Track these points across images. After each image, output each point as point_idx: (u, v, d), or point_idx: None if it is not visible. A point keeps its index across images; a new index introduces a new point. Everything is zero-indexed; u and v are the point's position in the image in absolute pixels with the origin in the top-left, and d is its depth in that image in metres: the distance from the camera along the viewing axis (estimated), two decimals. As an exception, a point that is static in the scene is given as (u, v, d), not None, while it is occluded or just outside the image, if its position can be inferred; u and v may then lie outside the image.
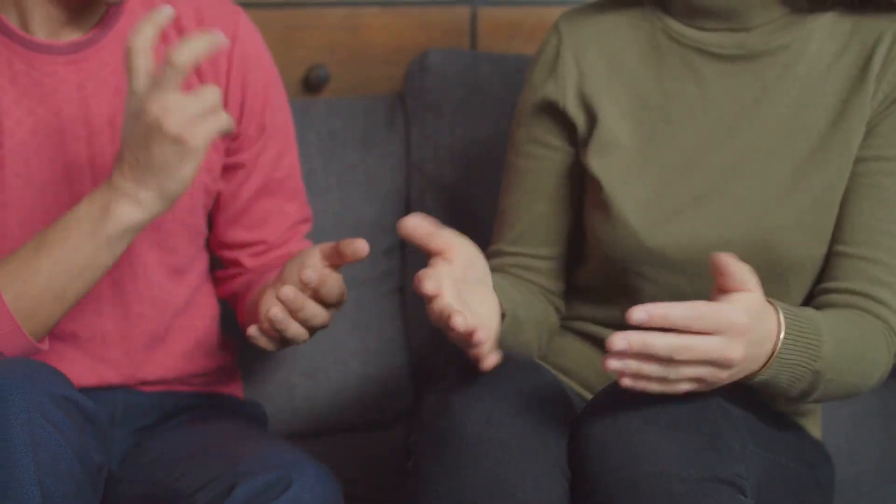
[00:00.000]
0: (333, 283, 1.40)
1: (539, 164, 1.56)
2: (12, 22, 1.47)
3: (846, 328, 1.39)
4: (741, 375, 1.29)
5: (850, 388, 1.41)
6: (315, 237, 1.73)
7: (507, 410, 1.30)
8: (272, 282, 1.50)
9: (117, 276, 1.52)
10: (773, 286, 1.46)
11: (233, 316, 1.67)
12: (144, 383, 1.58)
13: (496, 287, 1.38)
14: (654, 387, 1.23)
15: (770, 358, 1.30)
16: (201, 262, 1.63)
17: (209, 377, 1.64)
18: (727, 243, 1.45)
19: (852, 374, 1.39)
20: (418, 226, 1.30)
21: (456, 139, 1.90)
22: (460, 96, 1.90)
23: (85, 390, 1.46)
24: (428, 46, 1.95)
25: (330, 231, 1.84)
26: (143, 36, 1.33)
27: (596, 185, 1.50)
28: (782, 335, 1.30)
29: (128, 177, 1.35)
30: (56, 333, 1.48)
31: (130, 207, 1.36)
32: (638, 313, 1.20)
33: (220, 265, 1.68)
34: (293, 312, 1.39)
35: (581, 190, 1.56)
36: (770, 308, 1.30)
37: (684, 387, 1.24)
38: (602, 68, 1.53)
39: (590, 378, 1.54)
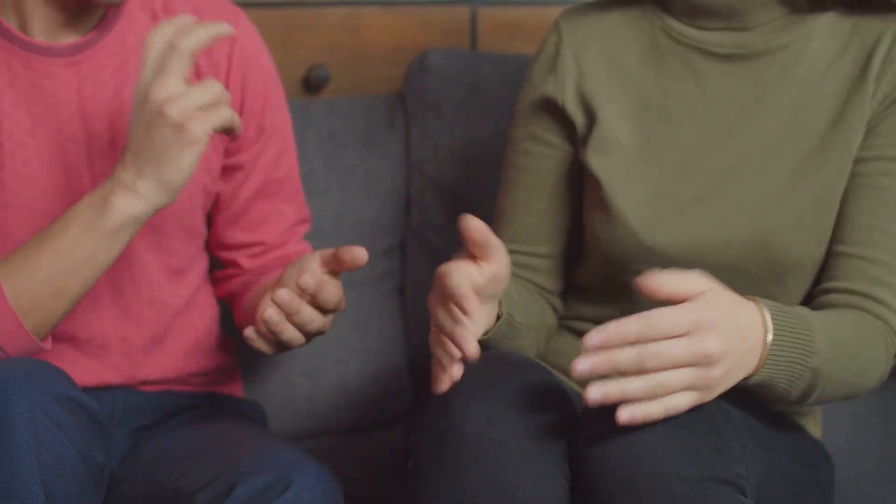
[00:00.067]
0: (331, 289, 1.40)
1: (538, 161, 1.56)
2: (11, 24, 1.47)
3: (841, 326, 1.39)
4: (738, 375, 1.29)
5: (849, 388, 1.40)
6: (315, 237, 1.73)
7: (507, 410, 1.29)
8: (271, 285, 1.50)
9: (116, 277, 1.52)
10: (772, 286, 1.46)
11: (232, 316, 1.67)
12: (144, 383, 1.58)
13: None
14: (653, 409, 1.23)
15: (762, 356, 1.30)
16: (201, 263, 1.63)
17: (209, 377, 1.64)
18: (727, 243, 1.45)
19: (850, 372, 1.39)
20: (480, 229, 1.30)
21: (456, 139, 1.90)
22: (460, 96, 1.91)
23: (85, 390, 1.45)
24: (428, 46, 1.95)
25: (330, 231, 1.84)
26: (163, 32, 1.35)
27: (595, 184, 1.50)
28: (770, 332, 1.30)
29: (129, 167, 1.35)
30: (55, 334, 1.48)
31: (129, 199, 1.36)
32: (592, 339, 1.21)
33: (218, 266, 1.68)
34: (288, 316, 1.39)
35: (580, 189, 1.56)
36: (748, 302, 1.29)
37: (683, 399, 1.24)
38: (602, 67, 1.53)
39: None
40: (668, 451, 1.24)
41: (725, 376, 1.26)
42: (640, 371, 1.22)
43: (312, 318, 1.40)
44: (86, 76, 1.50)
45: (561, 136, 1.55)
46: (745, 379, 1.30)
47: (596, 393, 1.22)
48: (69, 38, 1.49)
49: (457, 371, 1.29)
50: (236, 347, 1.68)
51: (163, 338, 1.58)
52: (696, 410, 1.26)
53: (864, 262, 1.44)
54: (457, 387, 1.32)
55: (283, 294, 1.37)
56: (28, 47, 1.47)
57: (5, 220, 1.47)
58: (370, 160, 1.89)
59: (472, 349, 1.27)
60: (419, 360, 1.89)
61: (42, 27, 1.47)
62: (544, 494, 1.27)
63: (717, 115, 1.49)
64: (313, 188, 1.83)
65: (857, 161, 1.46)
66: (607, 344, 1.21)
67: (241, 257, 1.65)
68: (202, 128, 1.33)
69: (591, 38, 1.55)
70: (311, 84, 1.94)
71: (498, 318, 1.39)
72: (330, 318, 1.42)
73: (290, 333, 1.40)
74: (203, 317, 1.62)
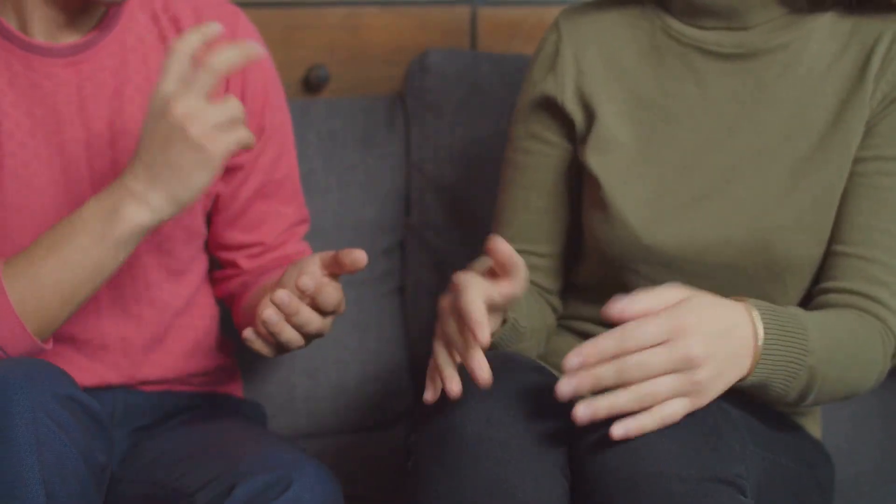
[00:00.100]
0: (331, 291, 1.39)
1: (537, 160, 1.56)
2: (11, 24, 1.47)
3: (838, 326, 1.39)
4: (731, 377, 1.28)
5: (847, 387, 1.40)
6: (315, 237, 1.73)
7: (507, 410, 1.29)
8: (270, 286, 1.50)
9: (116, 277, 1.52)
10: (771, 286, 1.46)
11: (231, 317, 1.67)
12: (144, 383, 1.58)
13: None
14: (646, 420, 1.23)
15: (755, 356, 1.29)
16: (200, 263, 1.63)
17: (209, 377, 1.64)
18: (726, 243, 1.45)
19: (848, 371, 1.38)
20: (506, 251, 1.29)
21: (456, 139, 1.90)
22: (460, 96, 1.91)
23: (85, 390, 1.45)
24: (428, 46, 1.95)
25: (330, 231, 1.84)
26: (189, 42, 1.34)
27: (594, 184, 1.50)
28: (761, 331, 1.30)
29: (140, 177, 1.35)
30: (55, 335, 1.48)
31: (138, 209, 1.36)
32: (571, 361, 1.22)
33: (217, 266, 1.68)
34: (287, 317, 1.38)
35: (579, 188, 1.56)
36: (734, 303, 1.29)
37: (676, 406, 1.23)
38: (601, 66, 1.53)
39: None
40: (668, 451, 1.24)
41: (715, 379, 1.26)
42: (623, 384, 1.22)
43: (311, 319, 1.39)
44: (86, 76, 1.50)
45: (560, 134, 1.55)
46: (742, 380, 1.30)
47: (584, 411, 1.22)
48: (69, 39, 1.49)
49: (455, 387, 1.28)
50: (236, 347, 1.68)
51: (163, 338, 1.58)
52: (695, 411, 1.26)
53: (862, 262, 1.44)
54: (457, 387, 1.32)
55: (283, 295, 1.37)
56: (28, 47, 1.47)
57: (5, 221, 1.47)
58: (370, 160, 1.89)
59: (486, 376, 1.26)
60: (419, 359, 1.89)
61: (42, 27, 1.47)
62: (544, 494, 1.27)
63: (717, 115, 1.49)
64: (313, 188, 1.83)
65: (857, 161, 1.46)
66: (587, 364, 1.22)
67: (240, 258, 1.65)
68: (221, 149, 1.33)
69: (591, 37, 1.55)
70: (311, 84, 1.94)
71: (503, 321, 1.39)
72: (329, 320, 1.42)
73: (289, 334, 1.39)
74: (203, 317, 1.62)
